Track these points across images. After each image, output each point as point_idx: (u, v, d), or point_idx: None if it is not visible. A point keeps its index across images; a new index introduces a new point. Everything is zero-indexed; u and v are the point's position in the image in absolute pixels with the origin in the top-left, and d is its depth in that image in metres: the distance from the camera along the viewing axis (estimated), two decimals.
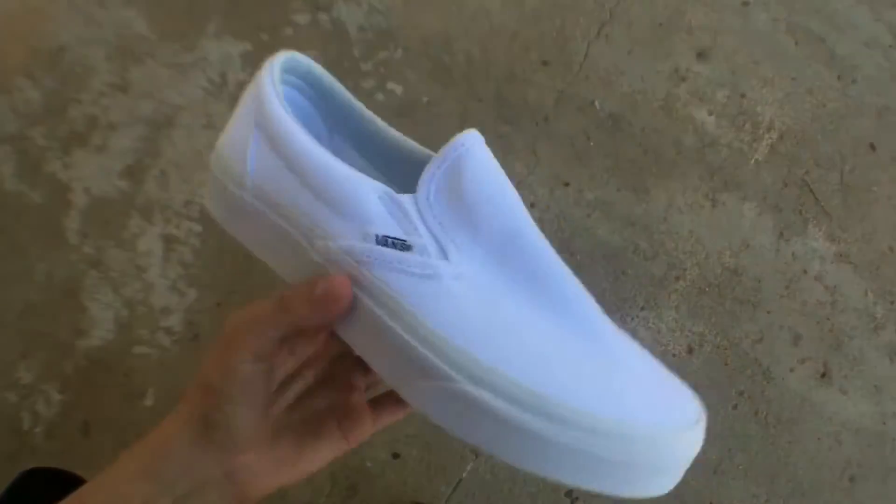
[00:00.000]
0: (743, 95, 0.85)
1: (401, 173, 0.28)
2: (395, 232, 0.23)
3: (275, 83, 0.26)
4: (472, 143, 0.24)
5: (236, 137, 0.26)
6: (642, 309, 0.80)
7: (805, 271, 0.82)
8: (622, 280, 0.80)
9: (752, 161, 0.84)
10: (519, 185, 0.80)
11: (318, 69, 0.29)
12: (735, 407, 0.79)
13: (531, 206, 0.79)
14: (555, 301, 0.23)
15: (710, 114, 0.85)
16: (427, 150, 0.27)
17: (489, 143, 0.24)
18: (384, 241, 0.23)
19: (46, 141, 0.82)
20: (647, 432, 0.21)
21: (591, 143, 0.83)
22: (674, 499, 0.78)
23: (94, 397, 0.79)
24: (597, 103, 0.84)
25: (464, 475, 0.78)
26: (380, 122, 0.29)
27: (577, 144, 0.83)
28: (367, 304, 0.23)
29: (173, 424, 0.23)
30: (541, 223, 0.89)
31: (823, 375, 0.81)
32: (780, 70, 0.86)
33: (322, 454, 0.26)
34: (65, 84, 0.83)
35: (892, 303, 0.83)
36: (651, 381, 0.24)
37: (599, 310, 0.25)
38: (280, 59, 0.27)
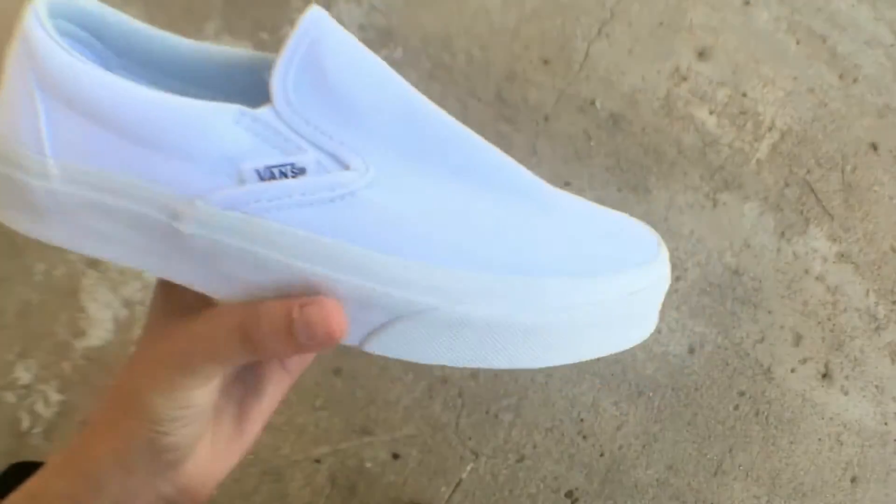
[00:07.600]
0: (744, 95, 0.85)
1: (234, 94, 0.21)
2: (275, 158, 0.17)
3: (47, 28, 0.19)
4: (322, 25, 0.19)
5: (15, 116, 0.19)
6: None
7: (806, 271, 0.82)
8: None
9: (754, 161, 0.84)
10: None
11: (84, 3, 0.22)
12: (736, 407, 0.79)
13: None
14: (479, 171, 0.21)
15: (711, 113, 0.84)
16: (259, 54, 0.22)
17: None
18: (269, 173, 0.17)
19: None
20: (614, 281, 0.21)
21: (592, 143, 0.83)
22: (674, 499, 0.78)
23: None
24: (597, 103, 0.84)
25: (464, 476, 0.78)
26: (185, 43, 0.23)
27: (578, 144, 0.82)
28: (281, 262, 0.17)
29: (102, 445, 0.19)
30: None
31: (825, 376, 0.81)
32: (782, 69, 0.86)
33: (265, 406, 0.23)
34: None
35: (893, 303, 0.83)
36: (604, 225, 0.23)
37: (527, 171, 0.22)
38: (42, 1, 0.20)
